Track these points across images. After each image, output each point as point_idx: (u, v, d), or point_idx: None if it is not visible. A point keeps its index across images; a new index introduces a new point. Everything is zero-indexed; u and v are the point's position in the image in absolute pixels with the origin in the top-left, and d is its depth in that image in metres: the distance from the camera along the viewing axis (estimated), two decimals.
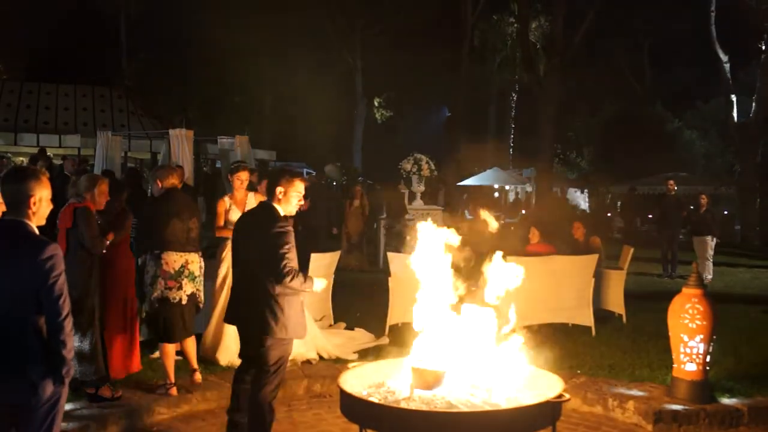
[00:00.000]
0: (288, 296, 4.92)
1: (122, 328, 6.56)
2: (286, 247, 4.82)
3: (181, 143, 13.91)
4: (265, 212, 5.03)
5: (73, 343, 5.95)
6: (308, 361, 7.34)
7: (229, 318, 5.35)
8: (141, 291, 6.54)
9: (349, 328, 8.73)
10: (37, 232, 3.69)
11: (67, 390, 3.75)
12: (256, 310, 4.91)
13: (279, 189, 4.99)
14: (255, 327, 4.95)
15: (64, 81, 25.38)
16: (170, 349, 6.38)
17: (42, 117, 22.81)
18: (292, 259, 4.84)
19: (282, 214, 5.00)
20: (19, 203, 3.66)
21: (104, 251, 6.15)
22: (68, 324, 3.60)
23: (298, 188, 5.05)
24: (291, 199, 5.03)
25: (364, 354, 7.75)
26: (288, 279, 4.78)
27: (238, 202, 7.16)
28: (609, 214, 31.10)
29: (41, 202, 3.71)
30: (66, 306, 3.59)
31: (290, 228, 4.96)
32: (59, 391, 3.65)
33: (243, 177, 7.15)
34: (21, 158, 21.04)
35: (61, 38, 34.97)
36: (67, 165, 13.84)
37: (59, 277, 3.58)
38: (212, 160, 22.36)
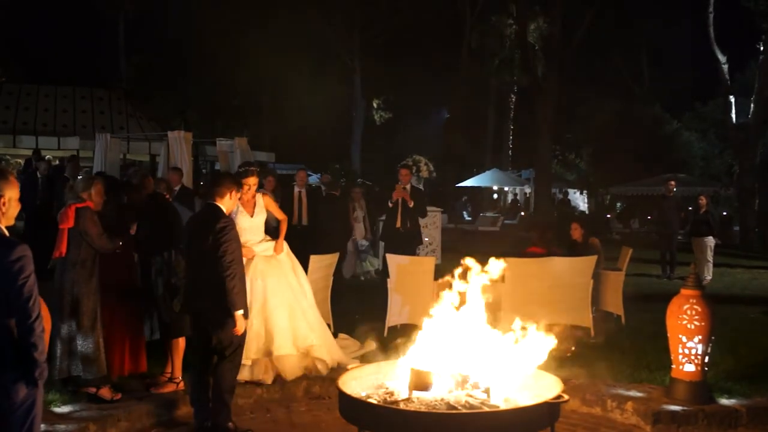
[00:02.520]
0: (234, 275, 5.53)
1: (126, 327, 6.57)
2: (228, 240, 5.52)
3: (179, 145, 13.90)
4: (214, 210, 5.70)
5: (76, 344, 5.99)
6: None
7: (188, 309, 5.97)
8: (151, 288, 6.60)
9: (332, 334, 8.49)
10: (6, 233, 3.61)
11: (42, 393, 3.68)
12: (213, 296, 5.51)
13: (224, 191, 5.75)
14: (216, 312, 5.53)
15: (62, 83, 25.37)
16: (182, 344, 6.54)
17: (41, 119, 22.78)
18: (234, 251, 5.56)
19: (225, 211, 5.74)
20: None
21: (117, 250, 6.26)
22: (38, 326, 3.50)
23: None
24: (233, 200, 5.86)
25: (362, 355, 7.73)
26: (234, 266, 5.49)
27: (245, 204, 6.86)
28: (608, 216, 31.16)
29: (10, 202, 3.64)
30: (36, 308, 3.51)
31: (232, 223, 5.71)
32: (33, 393, 3.57)
33: (251, 183, 6.77)
34: (19, 160, 21.07)
35: (59, 40, 35.03)
36: (75, 168, 13.82)
37: (29, 278, 3.49)
38: (211, 162, 22.37)
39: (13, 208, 3.68)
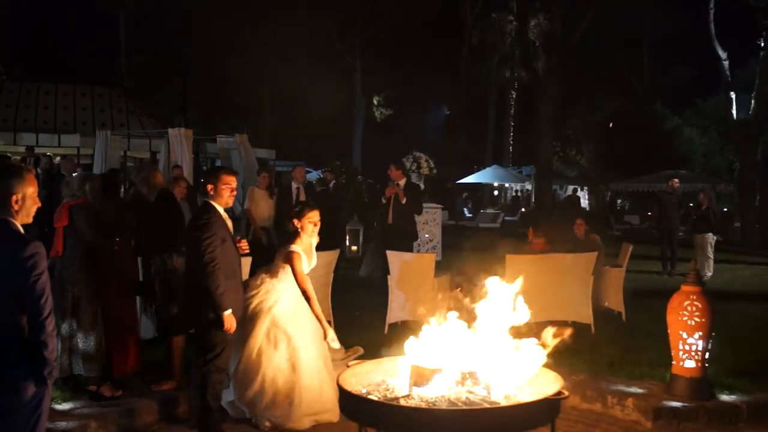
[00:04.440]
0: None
1: (125, 326, 6.57)
2: (208, 237, 5.32)
3: (180, 142, 13.93)
4: (200, 207, 5.61)
5: (77, 341, 5.99)
6: None
7: (184, 308, 6.03)
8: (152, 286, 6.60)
9: None
10: (21, 230, 3.61)
11: (51, 391, 3.68)
12: (195, 295, 5.44)
13: (209, 186, 5.51)
14: (195, 311, 5.49)
15: (63, 80, 25.37)
16: (181, 342, 6.55)
17: (41, 116, 22.79)
18: (213, 249, 5.31)
19: (217, 208, 5.48)
20: (1, 201, 3.58)
21: (114, 247, 6.25)
22: (50, 324, 3.50)
23: (226, 181, 5.51)
24: (223, 193, 5.50)
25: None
26: (210, 264, 5.25)
27: (307, 250, 6.14)
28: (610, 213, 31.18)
29: (25, 199, 3.63)
30: (48, 306, 3.50)
31: (215, 219, 5.40)
32: (41, 392, 3.56)
33: (316, 218, 6.06)
34: (17, 158, 21.07)
35: (60, 38, 35.00)
36: (68, 165, 13.79)
37: (41, 275, 3.49)
38: (212, 159, 22.36)
39: (30, 205, 3.67)
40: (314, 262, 6.22)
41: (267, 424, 5.85)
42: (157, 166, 13.58)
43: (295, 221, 6.05)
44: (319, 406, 5.97)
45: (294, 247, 5.97)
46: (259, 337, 5.96)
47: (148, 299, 6.85)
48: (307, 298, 5.90)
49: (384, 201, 10.61)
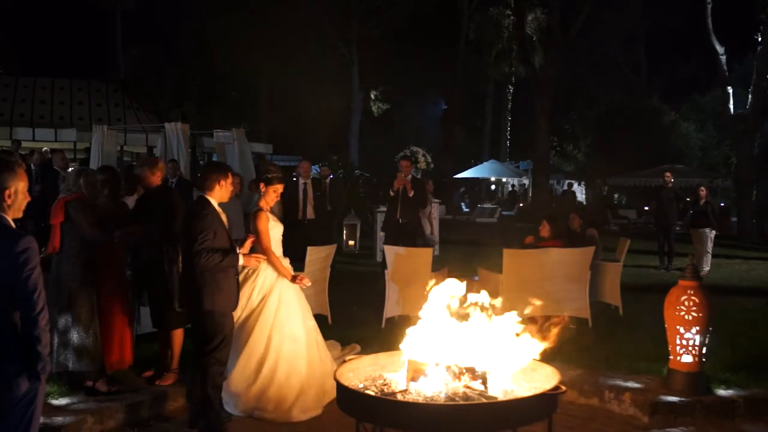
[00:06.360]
0: (214, 272, 5.39)
1: (121, 320, 6.54)
2: (203, 230, 5.36)
3: (177, 137, 13.87)
4: (195, 202, 5.72)
5: (73, 336, 5.98)
6: None
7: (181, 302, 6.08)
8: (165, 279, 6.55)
9: None
10: (12, 224, 3.60)
11: (44, 386, 3.68)
12: (190, 287, 5.49)
13: (212, 183, 5.57)
14: (191, 304, 5.54)
15: (59, 75, 25.32)
16: (180, 334, 6.54)
17: (38, 111, 22.74)
18: (207, 240, 5.35)
19: (212, 202, 5.55)
20: None
21: (114, 241, 6.22)
22: (43, 319, 3.50)
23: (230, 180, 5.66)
24: (224, 189, 5.61)
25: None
26: (202, 258, 5.31)
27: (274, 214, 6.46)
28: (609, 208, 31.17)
29: (16, 194, 3.63)
30: (41, 300, 3.50)
31: (210, 214, 5.45)
32: (35, 387, 3.56)
33: (280, 190, 6.33)
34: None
35: (57, 32, 34.94)
36: (56, 159, 13.72)
37: (34, 270, 3.49)
38: (208, 153, 22.32)
39: (20, 200, 3.67)
40: (280, 229, 6.35)
41: (269, 416, 5.91)
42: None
43: (262, 185, 6.25)
44: (325, 386, 6.07)
45: (262, 204, 6.19)
46: (261, 332, 6.03)
47: (143, 293, 6.80)
48: (269, 254, 6.10)
49: (392, 193, 10.71)
